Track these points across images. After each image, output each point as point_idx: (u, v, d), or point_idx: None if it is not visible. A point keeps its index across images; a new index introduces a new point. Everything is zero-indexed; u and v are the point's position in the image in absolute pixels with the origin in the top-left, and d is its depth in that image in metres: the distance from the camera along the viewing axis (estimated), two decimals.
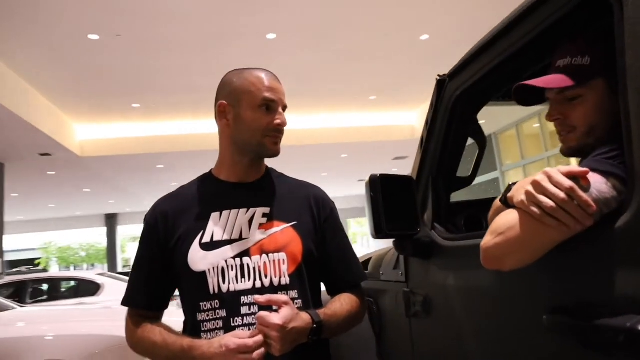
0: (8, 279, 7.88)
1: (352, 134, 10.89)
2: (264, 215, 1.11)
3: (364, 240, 27.45)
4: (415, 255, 1.26)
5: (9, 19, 5.58)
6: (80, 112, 9.19)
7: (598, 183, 0.71)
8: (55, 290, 7.33)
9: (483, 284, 1.01)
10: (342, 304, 1.13)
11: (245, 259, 1.06)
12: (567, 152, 0.92)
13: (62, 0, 5.32)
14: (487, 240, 0.81)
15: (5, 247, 10.06)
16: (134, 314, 1.13)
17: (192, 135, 10.23)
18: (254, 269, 1.06)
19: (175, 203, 1.15)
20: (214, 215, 1.10)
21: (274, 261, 1.07)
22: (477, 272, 0.98)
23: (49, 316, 3.62)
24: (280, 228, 1.10)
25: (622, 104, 0.69)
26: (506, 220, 0.78)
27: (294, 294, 1.08)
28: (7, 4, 5.23)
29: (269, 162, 1.24)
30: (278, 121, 1.10)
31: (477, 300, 1.05)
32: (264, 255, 1.07)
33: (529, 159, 9.93)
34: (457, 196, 1.44)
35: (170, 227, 1.10)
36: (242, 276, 1.05)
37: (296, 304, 1.06)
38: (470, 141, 1.38)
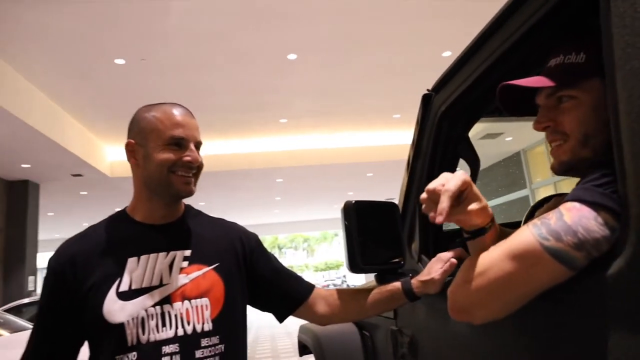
0: (35, 297, 8.06)
1: (377, 153, 10.78)
2: (185, 258, 1.03)
3: None
4: None
5: (40, 44, 5.82)
6: (109, 134, 9.46)
7: (585, 219, 0.56)
8: None
9: (469, 331, 0.86)
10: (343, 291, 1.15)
11: (167, 307, 0.98)
12: (559, 168, 0.78)
13: (90, 27, 5.51)
14: (455, 287, 0.68)
15: (43, 265, 10.37)
16: None
17: (219, 156, 10.36)
18: (176, 316, 0.98)
19: (85, 246, 1.02)
20: (131, 261, 1.00)
21: (196, 307, 1.00)
22: None
23: None
24: (202, 272, 1.03)
25: (611, 113, 0.55)
26: (475, 265, 0.64)
27: (215, 339, 1.00)
28: (39, 29, 5.45)
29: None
30: (187, 158, 1.02)
31: (463, 348, 0.90)
32: (186, 302, 1.00)
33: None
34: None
35: (80, 273, 0.98)
36: (163, 325, 0.96)
37: (217, 349, 0.99)
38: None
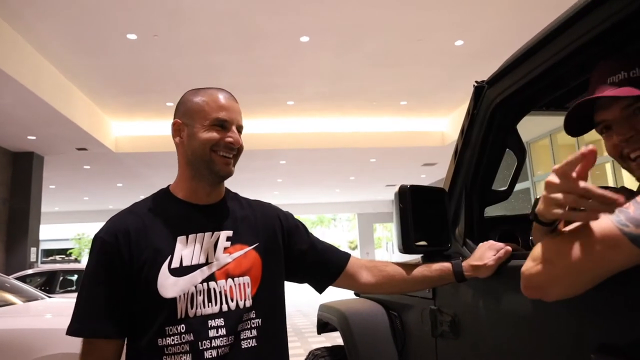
0: (43, 267, 8.16)
1: (381, 138, 10.80)
2: (228, 238, 1.09)
3: (388, 246, 27.18)
4: None
5: (52, 15, 5.78)
6: (116, 109, 9.44)
7: None
8: None
9: (522, 310, 0.92)
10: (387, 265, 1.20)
11: (212, 284, 1.04)
12: None
13: (103, 0, 5.47)
14: (530, 266, 0.73)
15: (41, 237, 10.46)
16: (94, 348, 1.01)
17: None
18: (220, 293, 1.04)
19: (136, 221, 1.06)
20: (181, 239, 1.05)
21: (239, 285, 1.06)
22: (515, 297, 0.90)
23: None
24: (243, 251, 1.09)
25: None
26: (553, 246, 0.70)
27: (253, 314, 1.07)
28: (50, 2, 5.41)
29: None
30: (229, 139, 1.07)
31: (513, 327, 0.97)
32: (230, 280, 1.06)
33: None
34: (489, 211, 1.35)
35: (134, 247, 1.02)
36: (209, 301, 1.03)
37: (255, 323, 1.06)
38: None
